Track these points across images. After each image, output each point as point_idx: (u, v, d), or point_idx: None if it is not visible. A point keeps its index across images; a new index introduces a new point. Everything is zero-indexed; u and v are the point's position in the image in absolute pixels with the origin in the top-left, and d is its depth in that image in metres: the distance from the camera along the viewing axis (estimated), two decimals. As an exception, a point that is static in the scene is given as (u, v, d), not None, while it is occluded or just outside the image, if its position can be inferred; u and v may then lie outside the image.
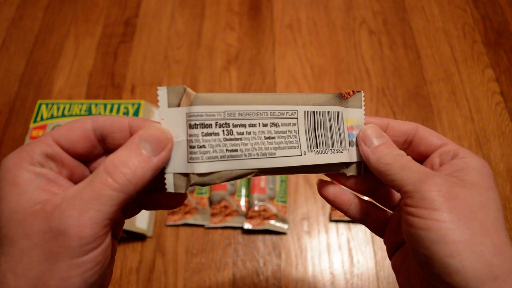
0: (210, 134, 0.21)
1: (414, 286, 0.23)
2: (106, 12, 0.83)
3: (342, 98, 0.25)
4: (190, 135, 0.21)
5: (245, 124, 0.22)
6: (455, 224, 0.20)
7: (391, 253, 0.27)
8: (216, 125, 0.21)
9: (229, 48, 0.77)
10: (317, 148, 0.24)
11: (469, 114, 0.68)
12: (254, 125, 0.22)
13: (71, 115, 0.62)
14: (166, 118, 0.21)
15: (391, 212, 0.28)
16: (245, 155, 0.22)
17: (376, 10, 0.80)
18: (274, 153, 0.23)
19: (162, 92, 0.21)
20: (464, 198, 0.21)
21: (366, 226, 0.28)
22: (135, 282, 0.57)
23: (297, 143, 0.24)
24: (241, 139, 0.22)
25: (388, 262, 0.56)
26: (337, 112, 0.25)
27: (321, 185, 0.27)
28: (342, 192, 0.27)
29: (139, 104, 0.62)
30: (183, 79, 0.74)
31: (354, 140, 0.26)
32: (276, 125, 0.23)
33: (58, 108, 0.62)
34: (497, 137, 0.66)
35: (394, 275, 0.55)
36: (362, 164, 0.26)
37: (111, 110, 0.61)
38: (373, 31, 0.77)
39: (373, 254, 0.57)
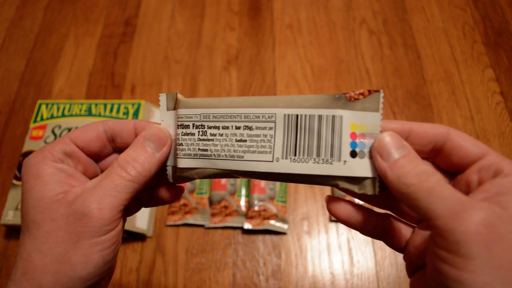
0: (187, 134, 0.24)
1: None
2: (106, 12, 0.83)
3: (347, 99, 0.22)
4: (177, 134, 0.25)
5: (219, 126, 0.24)
6: (495, 277, 0.16)
7: (411, 272, 0.24)
8: (193, 126, 0.24)
9: (229, 48, 0.77)
10: (295, 155, 0.22)
11: (469, 114, 0.68)
12: (227, 127, 0.23)
13: (71, 115, 0.62)
14: (164, 119, 0.25)
15: (414, 226, 0.24)
16: (214, 156, 0.24)
17: (376, 10, 0.80)
18: (242, 156, 0.23)
19: (162, 98, 0.25)
20: (509, 240, 0.17)
21: (384, 242, 0.25)
22: (135, 282, 0.57)
23: (270, 148, 0.22)
24: (212, 140, 0.24)
25: (388, 262, 0.56)
26: (333, 116, 0.22)
27: (330, 202, 0.23)
28: (355, 211, 0.23)
29: (139, 104, 0.62)
30: (183, 79, 0.74)
31: (365, 150, 0.22)
32: (250, 128, 0.23)
33: (58, 108, 0.62)
34: (497, 137, 0.66)
35: (394, 275, 0.55)
36: (377, 180, 0.22)
37: (111, 110, 0.61)
38: (373, 31, 0.77)
39: (373, 254, 0.57)
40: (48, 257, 0.21)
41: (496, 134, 0.66)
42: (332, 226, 0.60)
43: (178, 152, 0.25)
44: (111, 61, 0.76)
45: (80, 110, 0.62)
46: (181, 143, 0.24)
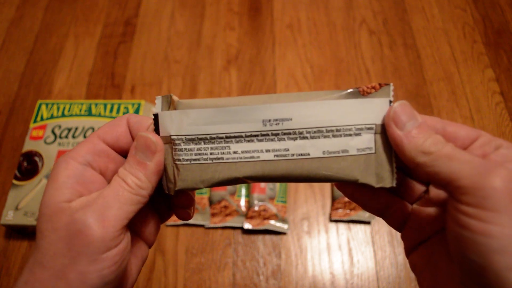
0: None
1: None
2: (106, 12, 0.83)
3: (360, 93, 0.23)
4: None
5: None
6: None
7: (409, 250, 0.25)
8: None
9: (229, 48, 0.77)
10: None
11: (469, 114, 0.68)
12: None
13: (71, 115, 0.62)
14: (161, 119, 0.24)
15: (411, 205, 0.25)
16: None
17: (376, 10, 0.80)
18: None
19: (158, 101, 0.24)
20: None
21: (384, 219, 0.26)
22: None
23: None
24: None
25: (388, 262, 0.56)
26: None
27: None
28: (361, 187, 0.24)
29: (139, 104, 0.62)
30: (183, 79, 0.74)
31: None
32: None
33: (58, 108, 0.62)
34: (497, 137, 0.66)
35: (394, 275, 0.55)
36: (395, 172, 0.22)
37: (111, 110, 0.62)
38: (373, 31, 0.77)
39: (373, 254, 0.57)
40: (47, 271, 0.20)
41: (496, 134, 0.66)
42: (332, 226, 0.60)
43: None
44: (111, 61, 0.76)
45: (80, 110, 0.62)
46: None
